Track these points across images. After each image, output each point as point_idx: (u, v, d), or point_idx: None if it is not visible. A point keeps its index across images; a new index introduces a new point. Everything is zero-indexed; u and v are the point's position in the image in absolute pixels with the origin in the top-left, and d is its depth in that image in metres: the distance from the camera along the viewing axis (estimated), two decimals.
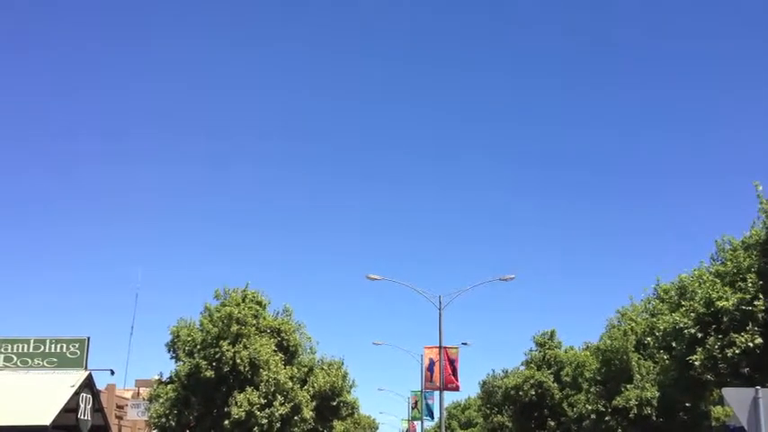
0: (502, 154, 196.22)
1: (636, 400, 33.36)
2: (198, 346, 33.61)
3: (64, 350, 27.85)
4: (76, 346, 27.98)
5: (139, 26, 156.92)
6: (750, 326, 21.16)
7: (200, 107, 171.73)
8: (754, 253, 22.44)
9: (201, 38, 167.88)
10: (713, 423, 33.19)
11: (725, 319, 21.99)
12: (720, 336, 22.10)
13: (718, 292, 22.44)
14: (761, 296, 21.23)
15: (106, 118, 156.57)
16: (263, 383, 33.03)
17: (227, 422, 32.15)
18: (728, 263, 23.28)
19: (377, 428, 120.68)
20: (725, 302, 21.79)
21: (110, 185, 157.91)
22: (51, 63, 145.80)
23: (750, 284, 21.59)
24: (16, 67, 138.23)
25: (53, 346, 27.92)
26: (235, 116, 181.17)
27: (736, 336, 21.29)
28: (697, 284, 24.18)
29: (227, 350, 32.68)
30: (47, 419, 22.77)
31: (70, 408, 24.83)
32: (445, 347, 39.06)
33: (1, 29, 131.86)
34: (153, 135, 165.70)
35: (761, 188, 22.08)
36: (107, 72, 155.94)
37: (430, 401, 58.40)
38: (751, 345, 20.91)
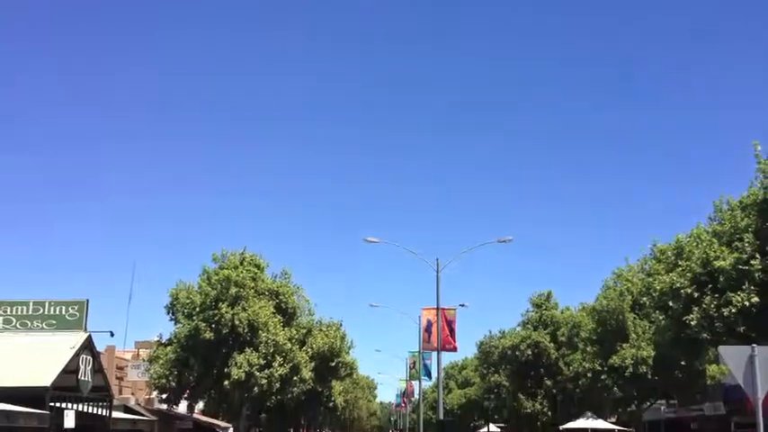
0: (500, 118, 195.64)
1: (631, 359, 33.67)
2: (197, 309, 33.79)
3: (63, 312, 27.86)
4: (76, 308, 27.98)
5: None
6: (746, 285, 21.22)
7: (196, 80, 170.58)
8: (752, 213, 22.41)
9: (204, 20, 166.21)
10: (708, 381, 33.52)
11: (721, 279, 22.05)
12: (717, 295, 22.19)
13: (715, 251, 22.46)
14: (758, 256, 21.24)
15: (105, 90, 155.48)
16: (262, 345, 33.27)
17: (226, 382, 32.45)
18: (726, 223, 23.26)
19: (375, 388, 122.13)
20: (722, 262, 21.82)
21: (109, 155, 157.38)
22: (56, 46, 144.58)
23: (747, 244, 21.60)
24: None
25: (52, 308, 27.93)
26: (231, 86, 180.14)
27: (733, 295, 21.36)
28: (694, 244, 24.19)
29: (226, 312, 32.85)
30: (47, 380, 22.85)
31: (70, 369, 24.90)
32: (443, 309, 39.19)
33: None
34: (151, 108, 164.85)
35: (759, 148, 21.96)
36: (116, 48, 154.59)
37: (428, 362, 58.76)
38: (747, 304, 20.98)
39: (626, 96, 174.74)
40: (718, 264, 22.01)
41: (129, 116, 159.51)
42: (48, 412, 21.87)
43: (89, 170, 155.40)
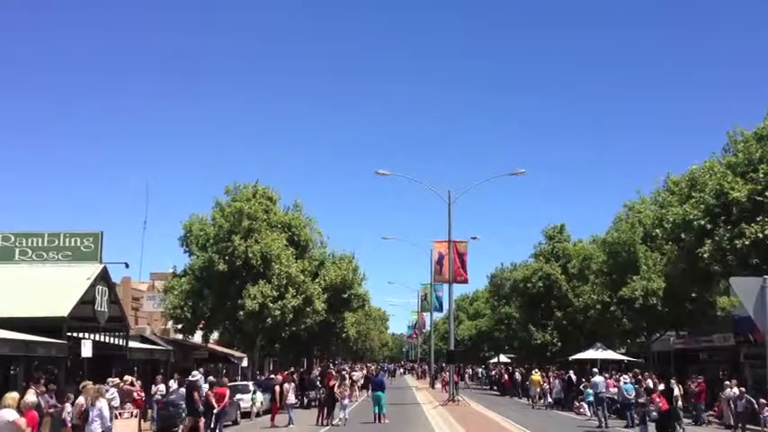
0: (509, 52, 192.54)
1: (642, 291, 33.76)
2: (210, 241, 33.99)
3: (78, 244, 27.96)
4: (90, 239, 28.06)
5: None
6: (761, 217, 21.11)
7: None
8: (767, 144, 22.18)
9: None
10: (718, 313, 33.66)
11: (735, 211, 21.94)
12: (730, 227, 22.10)
13: (729, 183, 22.29)
14: None
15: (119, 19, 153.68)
16: (275, 277, 33.51)
17: (241, 313, 32.82)
18: (740, 154, 23.04)
19: (387, 320, 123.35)
20: (736, 193, 21.68)
21: (120, 82, 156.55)
22: None
23: (762, 175, 21.43)
24: None
25: (67, 239, 28.03)
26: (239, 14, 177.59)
27: (746, 227, 21.27)
28: (708, 176, 24.02)
29: (240, 244, 33.04)
30: (65, 311, 23.10)
31: (87, 300, 25.13)
32: (454, 241, 39.28)
33: None
34: (156, 34, 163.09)
35: None
36: None
37: (439, 294, 59.28)
38: (760, 236, 20.89)
39: (642, 17, 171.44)
40: (731, 195, 21.87)
41: (138, 38, 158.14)
42: (65, 342, 22.21)
43: (101, 98, 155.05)
